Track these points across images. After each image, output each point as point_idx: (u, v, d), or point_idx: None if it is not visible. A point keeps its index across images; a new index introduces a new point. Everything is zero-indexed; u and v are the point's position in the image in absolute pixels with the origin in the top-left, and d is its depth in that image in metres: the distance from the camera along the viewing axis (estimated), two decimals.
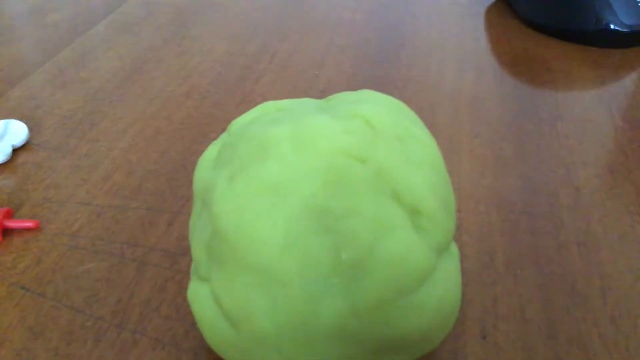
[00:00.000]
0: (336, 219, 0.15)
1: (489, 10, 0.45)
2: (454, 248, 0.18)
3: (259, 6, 0.46)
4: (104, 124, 0.32)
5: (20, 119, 0.32)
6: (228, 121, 0.32)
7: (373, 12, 0.45)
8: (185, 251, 0.24)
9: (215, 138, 0.31)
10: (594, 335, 0.21)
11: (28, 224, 0.25)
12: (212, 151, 0.18)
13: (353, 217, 0.15)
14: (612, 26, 0.39)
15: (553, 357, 0.20)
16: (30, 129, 0.31)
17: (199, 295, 0.17)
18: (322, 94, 0.34)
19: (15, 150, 0.30)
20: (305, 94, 0.34)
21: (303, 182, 0.15)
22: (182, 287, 0.22)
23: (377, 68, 0.37)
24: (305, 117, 0.16)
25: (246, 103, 0.34)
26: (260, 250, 0.15)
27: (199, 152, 0.30)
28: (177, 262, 0.23)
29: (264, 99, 0.34)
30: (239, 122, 0.18)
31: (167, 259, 0.24)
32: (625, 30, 0.39)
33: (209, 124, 0.32)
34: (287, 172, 0.15)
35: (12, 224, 0.24)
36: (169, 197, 0.27)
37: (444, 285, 0.16)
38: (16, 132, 0.30)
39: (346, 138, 0.15)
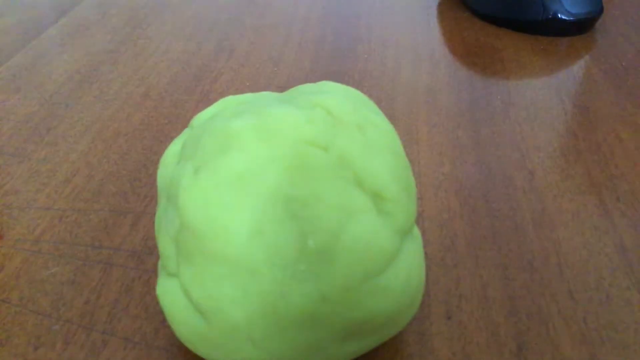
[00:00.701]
0: (301, 206, 0.15)
1: (441, 4, 0.46)
2: (416, 231, 0.18)
3: (213, 5, 0.46)
4: (62, 127, 0.31)
5: None
6: (188, 120, 0.32)
7: (328, 9, 0.46)
8: (151, 250, 0.24)
9: (176, 137, 0.31)
10: (553, 310, 0.21)
11: None
12: (175, 147, 0.18)
13: (318, 204, 0.15)
14: (559, 15, 0.40)
15: (515, 332, 0.21)
16: None
17: (168, 291, 0.17)
18: (281, 90, 0.35)
19: None
20: (265, 90, 0.35)
21: (267, 171, 0.15)
22: (150, 286, 0.22)
23: (335, 63, 0.38)
24: (267, 108, 0.16)
25: (205, 101, 0.34)
26: (228, 240, 0.15)
27: (161, 152, 0.30)
28: (144, 262, 0.23)
29: (223, 96, 0.34)
30: (201, 117, 0.18)
31: (133, 259, 0.23)
32: (571, 19, 0.40)
33: (169, 123, 0.32)
34: (251, 162, 0.15)
35: None
36: (132, 198, 0.27)
37: (408, 267, 0.17)
38: None
39: (308, 127, 0.16)
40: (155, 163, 0.29)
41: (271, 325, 0.15)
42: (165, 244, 0.17)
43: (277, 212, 0.15)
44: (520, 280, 0.23)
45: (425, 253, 0.24)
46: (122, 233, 0.25)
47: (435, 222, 0.25)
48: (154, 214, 0.26)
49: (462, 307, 0.22)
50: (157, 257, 0.24)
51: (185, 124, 0.32)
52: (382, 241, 0.16)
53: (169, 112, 0.33)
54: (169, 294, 0.17)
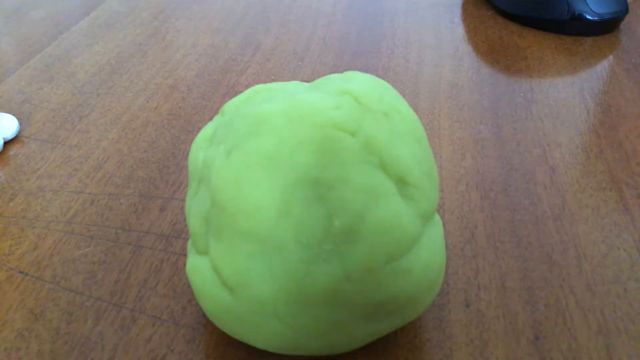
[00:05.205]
0: (328, 188, 0.16)
1: (466, 2, 0.47)
2: (437, 218, 0.19)
3: (240, 0, 0.47)
4: (93, 115, 0.32)
5: (10, 113, 0.33)
6: (215, 111, 0.33)
7: (352, 5, 0.46)
8: (179, 234, 0.25)
9: (205, 125, 0.31)
10: (571, 301, 0.22)
11: None
12: (206, 132, 0.19)
13: (344, 187, 0.16)
14: (583, 15, 0.40)
15: (532, 321, 0.21)
16: (20, 122, 0.32)
17: (197, 268, 0.18)
18: None
19: (7, 143, 0.30)
20: None
21: (297, 153, 0.16)
22: (178, 267, 0.23)
23: (359, 59, 0.38)
24: (297, 94, 0.17)
25: (232, 94, 0.34)
26: (257, 218, 0.16)
27: (189, 141, 0.30)
28: (172, 245, 0.24)
29: None
30: (232, 104, 0.19)
31: (162, 241, 0.24)
32: (596, 19, 0.40)
33: (197, 114, 0.33)
34: (281, 145, 0.16)
35: None
36: (161, 184, 0.27)
37: (430, 251, 0.17)
38: (6, 125, 0.30)
39: (337, 112, 0.16)
40: (183, 152, 0.30)
41: (296, 302, 0.16)
42: (195, 223, 0.18)
43: (305, 193, 0.16)
44: (539, 272, 0.23)
45: (446, 244, 0.24)
46: (151, 217, 0.25)
47: (455, 214, 0.26)
48: (182, 199, 0.27)
49: (480, 296, 0.22)
50: (185, 241, 0.24)
51: (212, 115, 0.32)
52: (405, 224, 0.16)
53: (197, 104, 0.33)
54: (198, 271, 0.18)
